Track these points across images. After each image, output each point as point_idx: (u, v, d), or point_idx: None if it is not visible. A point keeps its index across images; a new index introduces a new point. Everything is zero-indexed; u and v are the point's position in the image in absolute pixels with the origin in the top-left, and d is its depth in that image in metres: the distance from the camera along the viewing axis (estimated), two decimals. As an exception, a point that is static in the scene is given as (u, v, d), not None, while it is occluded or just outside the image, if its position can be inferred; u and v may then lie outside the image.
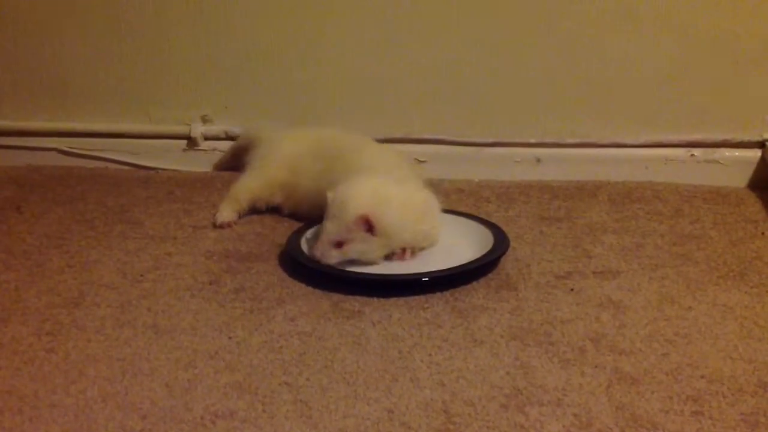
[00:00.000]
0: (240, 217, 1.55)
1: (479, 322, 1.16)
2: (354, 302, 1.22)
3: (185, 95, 1.84)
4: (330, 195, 1.29)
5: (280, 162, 1.56)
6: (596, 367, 1.04)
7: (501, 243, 1.34)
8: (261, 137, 1.69)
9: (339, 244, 1.28)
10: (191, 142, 1.85)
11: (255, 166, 1.59)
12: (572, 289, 1.25)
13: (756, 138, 1.69)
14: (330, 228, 1.28)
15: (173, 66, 1.82)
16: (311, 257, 1.30)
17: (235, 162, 1.79)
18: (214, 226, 1.51)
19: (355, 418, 0.94)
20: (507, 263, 1.33)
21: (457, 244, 1.37)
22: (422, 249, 1.36)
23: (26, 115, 1.90)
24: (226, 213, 1.52)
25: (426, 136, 1.78)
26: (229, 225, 1.51)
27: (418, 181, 1.42)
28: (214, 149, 1.85)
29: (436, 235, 1.37)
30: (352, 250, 1.28)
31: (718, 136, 1.70)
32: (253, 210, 1.56)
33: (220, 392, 1.00)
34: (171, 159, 1.87)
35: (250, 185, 1.56)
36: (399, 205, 1.29)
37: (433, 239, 1.37)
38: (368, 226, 1.26)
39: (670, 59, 1.68)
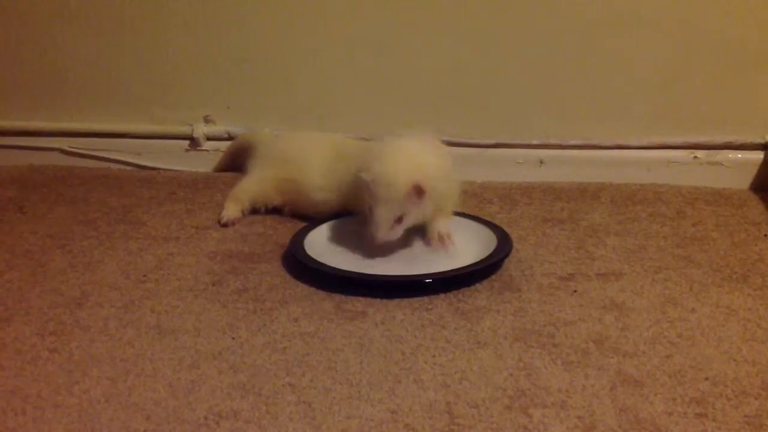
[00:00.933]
0: (244, 215, 1.55)
1: (482, 323, 1.15)
2: (357, 303, 1.22)
3: (187, 96, 1.85)
4: (366, 176, 1.28)
5: (280, 164, 1.56)
6: (599, 369, 1.04)
7: (504, 245, 1.34)
8: (259, 140, 1.71)
9: (399, 220, 1.29)
10: (193, 142, 1.85)
11: (255, 169, 1.60)
12: (575, 291, 1.25)
13: (759, 140, 1.69)
14: (383, 209, 1.27)
15: (175, 66, 1.83)
16: (370, 244, 1.30)
17: (234, 164, 1.80)
18: (219, 224, 1.52)
19: (358, 419, 0.94)
20: (510, 265, 1.33)
21: (460, 246, 1.37)
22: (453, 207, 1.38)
23: (29, 115, 1.91)
24: (231, 211, 1.53)
25: (429, 137, 1.78)
26: (233, 223, 1.52)
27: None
28: (217, 149, 1.85)
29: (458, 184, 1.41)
30: (409, 221, 1.30)
31: (721, 138, 1.70)
32: (255, 210, 1.57)
33: (223, 393, 1.00)
34: (173, 159, 1.87)
35: (249, 187, 1.57)
36: (433, 161, 1.32)
37: (458, 188, 1.40)
38: (420, 193, 1.27)
39: (673, 61, 1.68)
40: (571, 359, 1.06)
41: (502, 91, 1.74)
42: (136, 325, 1.16)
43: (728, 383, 1.00)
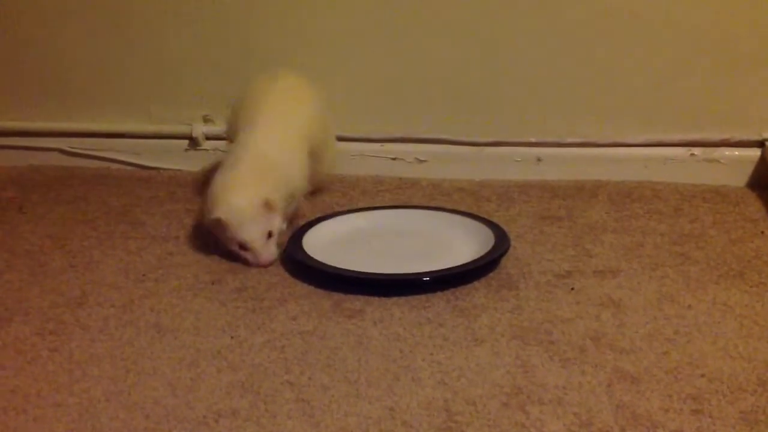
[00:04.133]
0: None
1: (480, 321, 1.16)
2: (355, 301, 1.22)
3: (186, 95, 1.85)
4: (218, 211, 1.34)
5: None
6: (596, 365, 1.04)
7: (502, 242, 1.34)
8: None
9: (270, 235, 1.35)
10: (193, 142, 1.86)
11: None
12: (573, 289, 1.25)
13: (755, 137, 1.69)
14: (252, 229, 1.33)
15: (174, 66, 1.83)
16: (254, 265, 1.35)
17: None
18: None
19: (356, 417, 0.95)
20: (508, 263, 1.34)
21: (457, 244, 1.38)
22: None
23: (28, 115, 1.91)
24: None
25: (427, 135, 1.78)
26: None
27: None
28: (216, 149, 1.85)
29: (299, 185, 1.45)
30: (276, 230, 1.36)
31: (718, 136, 1.70)
32: None
33: (222, 391, 1.00)
34: (173, 159, 1.87)
35: None
36: (256, 177, 1.37)
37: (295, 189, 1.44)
38: (270, 206, 1.34)
39: (670, 58, 1.68)
40: (568, 356, 1.07)
41: (500, 90, 1.74)
42: (136, 324, 1.17)
43: (724, 379, 1.01)
